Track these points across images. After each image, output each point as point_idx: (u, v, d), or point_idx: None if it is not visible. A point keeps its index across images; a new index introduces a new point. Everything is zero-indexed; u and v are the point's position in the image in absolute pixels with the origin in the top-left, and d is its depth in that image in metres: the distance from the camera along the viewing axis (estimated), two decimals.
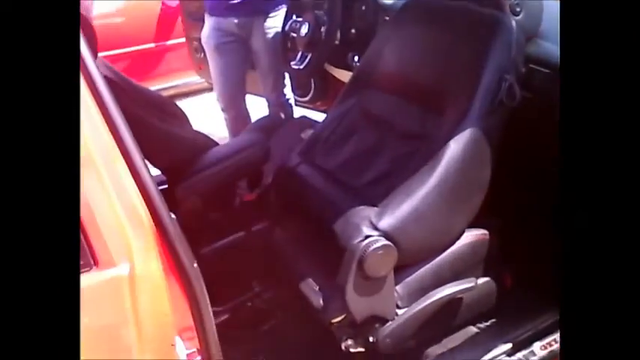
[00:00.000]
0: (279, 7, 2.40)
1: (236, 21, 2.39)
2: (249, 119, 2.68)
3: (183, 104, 3.92)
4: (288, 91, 2.59)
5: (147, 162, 1.65)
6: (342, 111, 1.61)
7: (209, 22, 2.46)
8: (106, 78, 1.52)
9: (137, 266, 0.84)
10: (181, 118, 1.84)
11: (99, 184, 0.82)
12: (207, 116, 3.36)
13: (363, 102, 1.58)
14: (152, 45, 4.04)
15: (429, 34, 1.50)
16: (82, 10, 2.11)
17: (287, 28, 2.18)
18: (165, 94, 4.06)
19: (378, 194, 1.35)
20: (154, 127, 1.62)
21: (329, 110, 1.68)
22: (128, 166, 0.86)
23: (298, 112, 2.68)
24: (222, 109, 2.63)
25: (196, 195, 1.60)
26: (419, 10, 1.57)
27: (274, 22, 2.39)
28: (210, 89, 2.87)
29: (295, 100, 2.66)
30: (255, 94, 2.76)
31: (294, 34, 2.13)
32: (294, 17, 2.17)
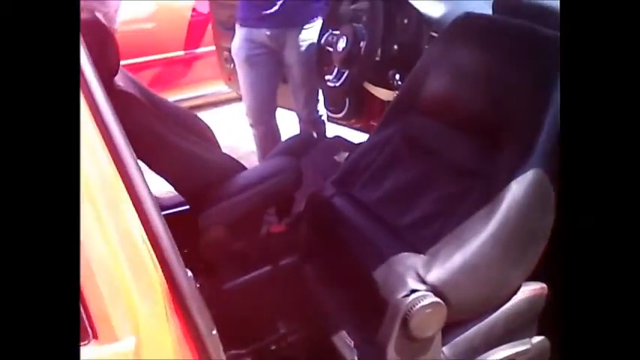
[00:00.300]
0: (315, 18, 2.26)
1: (268, 32, 2.25)
2: (279, 135, 2.55)
3: (211, 114, 3.87)
4: (320, 107, 2.45)
5: (170, 186, 1.54)
6: (384, 137, 1.45)
7: (240, 32, 2.33)
8: (126, 93, 1.41)
9: (144, 339, 0.70)
10: (208, 138, 1.71)
11: (99, 231, 0.67)
12: (235, 127, 3.25)
13: (408, 129, 1.42)
14: (182, 52, 3.94)
15: (484, 55, 1.33)
16: (105, 21, 1.99)
17: (323, 41, 2.03)
18: (193, 103, 3.98)
19: (424, 238, 1.18)
20: (177, 148, 1.49)
21: (369, 136, 1.51)
22: (136, 210, 0.72)
23: (330, 128, 2.55)
24: (251, 125, 2.50)
25: (220, 224, 1.46)
26: (473, 27, 1.40)
27: (309, 35, 2.25)
28: (239, 99, 2.75)
29: (328, 116, 2.52)
30: (286, 108, 2.63)
31: (330, 48, 1.98)
32: (330, 30, 2.02)
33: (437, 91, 1.39)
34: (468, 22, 1.40)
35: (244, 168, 1.60)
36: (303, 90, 2.36)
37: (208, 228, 1.44)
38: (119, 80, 1.43)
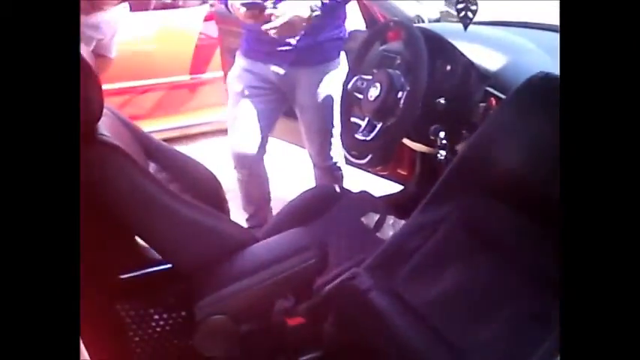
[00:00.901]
0: (334, 59, 1.99)
1: (278, 69, 1.97)
2: (267, 183, 2.24)
3: (217, 142, 3.59)
4: (338, 152, 2.15)
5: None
6: (434, 218, 1.17)
7: (241, 62, 2.03)
8: (110, 146, 1.11)
9: None
10: (215, 196, 1.42)
11: None
12: None
13: (467, 211, 1.14)
14: (187, 77, 3.68)
15: None
16: (100, 49, 1.67)
17: (350, 86, 1.74)
18: (198, 130, 3.73)
19: None
20: (171, 213, 1.19)
21: (412, 215, 1.22)
22: None
23: (349, 172, 2.25)
24: (235, 167, 2.17)
25: (224, 315, 1.17)
26: (553, 91, 1.12)
27: (326, 76, 1.97)
28: None
29: (347, 160, 2.21)
30: (295, 144, 2.34)
31: (360, 95, 1.69)
32: (359, 75, 1.73)
33: (508, 167, 1.11)
34: (546, 83, 1.12)
35: (256, 240, 1.31)
36: (319, 136, 2.08)
37: (208, 320, 1.15)
38: (104, 126, 1.14)
